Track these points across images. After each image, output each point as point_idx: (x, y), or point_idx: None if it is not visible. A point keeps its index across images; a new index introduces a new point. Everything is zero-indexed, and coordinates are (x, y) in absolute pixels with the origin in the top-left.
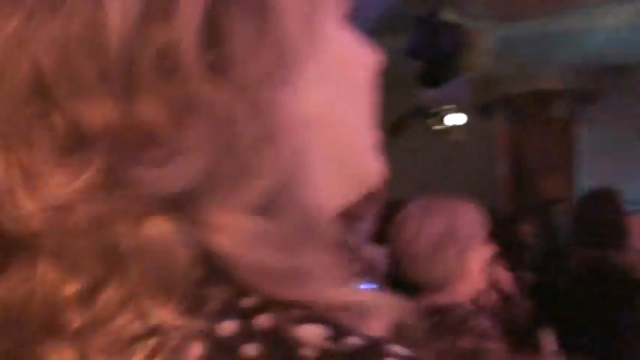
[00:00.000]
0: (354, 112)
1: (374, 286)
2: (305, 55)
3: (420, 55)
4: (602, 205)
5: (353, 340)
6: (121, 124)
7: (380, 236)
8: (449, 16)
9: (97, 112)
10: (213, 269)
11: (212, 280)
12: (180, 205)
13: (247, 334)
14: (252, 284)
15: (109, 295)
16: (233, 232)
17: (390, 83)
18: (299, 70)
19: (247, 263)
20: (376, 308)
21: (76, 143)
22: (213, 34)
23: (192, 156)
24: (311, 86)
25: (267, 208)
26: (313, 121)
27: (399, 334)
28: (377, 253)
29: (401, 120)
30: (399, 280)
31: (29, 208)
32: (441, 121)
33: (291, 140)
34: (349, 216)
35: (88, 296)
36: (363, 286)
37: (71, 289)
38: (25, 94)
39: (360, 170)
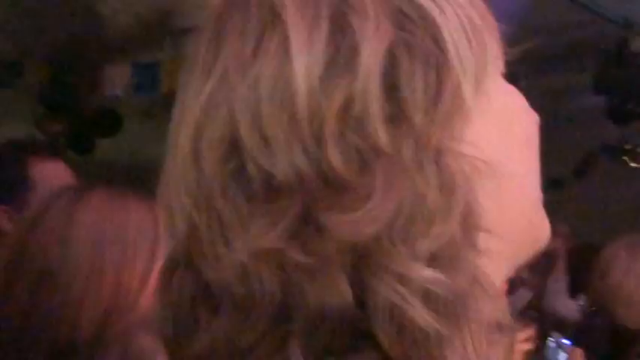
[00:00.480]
0: (523, 166)
1: (568, 341)
2: (475, 109)
3: (609, 90)
4: None
5: None
6: (311, 174)
7: (575, 285)
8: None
9: (289, 164)
10: (363, 329)
11: (355, 343)
12: (363, 253)
13: None
14: (397, 347)
15: (266, 345)
16: (408, 283)
17: (576, 120)
18: (470, 123)
19: (408, 321)
20: None
21: (270, 194)
22: (393, 84)
23: (380, 202)
24: (480, 139)
25: (440, 259)
26: (485, 173)
27: None
28: (569, 305)
29: (587, 159)
30: (607, 327)
31: (228, 258)
32: (636, 158)
33: (465, 190)
34: (535, 271)
35: (253, 346)
36: (558, 341)
37: (245, 341)
38: (223, 152)
39: (530, 226)
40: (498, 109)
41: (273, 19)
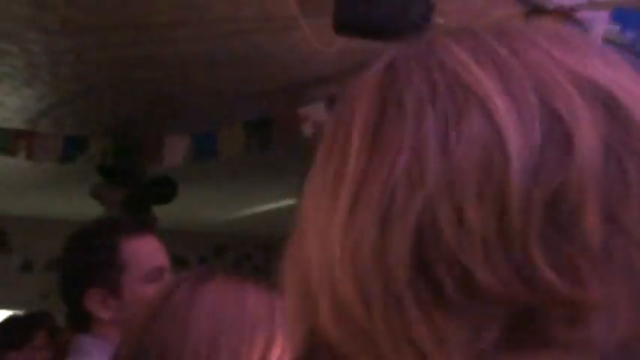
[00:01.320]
0: None
1: None
2: None
3: None
4: None
5: None
6: (521, 289)
7: None
8: None
9: (490, 268)
10: None
11: None
12: None
13: None
14: None
15: None
16: None
17: None
18: None
19: None
20: None
21: (468, 300)
22: (607, 178)
23: (606, 315)
24: None
25: None
26: None
27: None
28: None
29: None
30: None
31: None
32: None
33: None
34: None
35: None
36: None
37: None
38: (413, 242)
39: None
40: None
41: (467, 95)
